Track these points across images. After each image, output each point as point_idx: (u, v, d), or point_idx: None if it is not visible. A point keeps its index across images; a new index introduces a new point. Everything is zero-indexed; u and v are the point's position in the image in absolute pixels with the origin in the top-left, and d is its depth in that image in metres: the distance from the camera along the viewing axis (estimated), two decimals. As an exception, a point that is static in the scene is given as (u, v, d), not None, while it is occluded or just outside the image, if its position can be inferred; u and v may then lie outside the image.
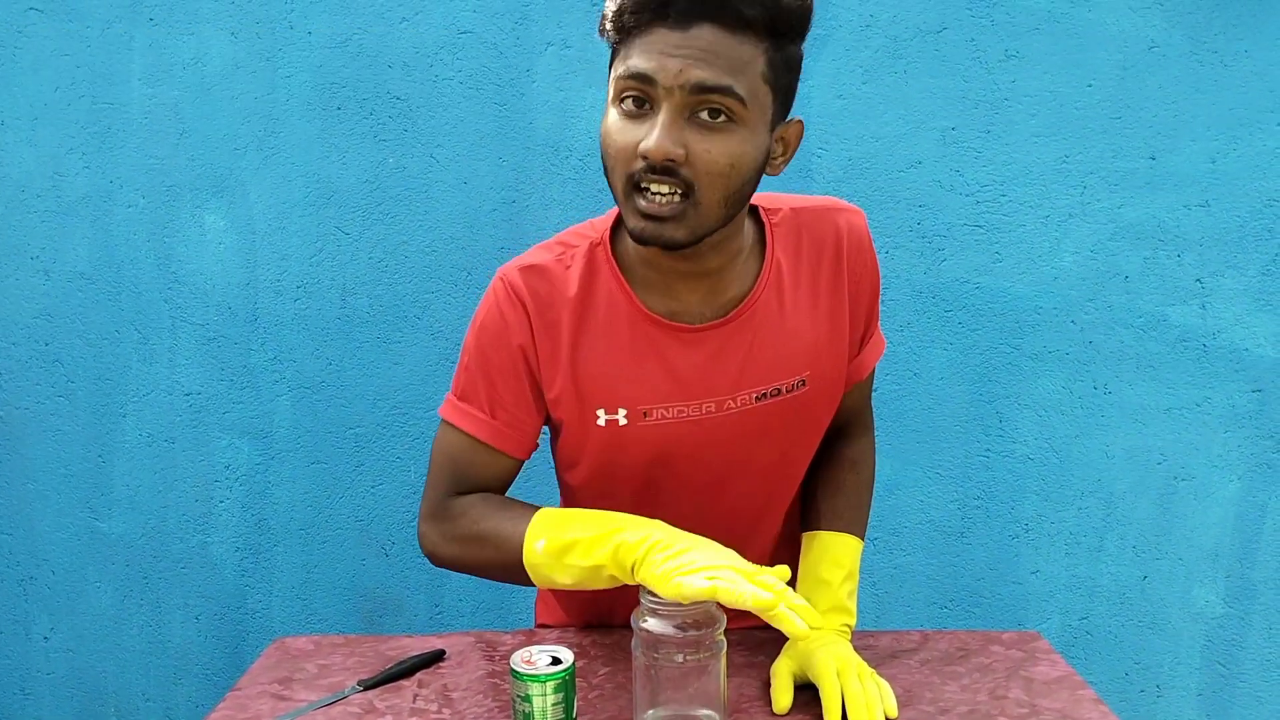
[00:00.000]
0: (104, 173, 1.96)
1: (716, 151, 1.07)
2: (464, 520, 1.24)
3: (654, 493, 1.27)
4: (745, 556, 1.10)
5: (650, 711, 1.09)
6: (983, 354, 1.99)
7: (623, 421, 1.22)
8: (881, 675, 1.27)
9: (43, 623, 2.11)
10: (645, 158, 1.06)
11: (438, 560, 1.28)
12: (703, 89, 1.05)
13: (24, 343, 2.01)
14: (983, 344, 1.99)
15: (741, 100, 1.06)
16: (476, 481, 1.27)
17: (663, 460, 1.25)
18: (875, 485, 1.83)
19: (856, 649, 1.30)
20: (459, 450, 1.27)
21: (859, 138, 1.93)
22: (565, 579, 1.15)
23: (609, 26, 1.11)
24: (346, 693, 1.27)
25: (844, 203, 1.30)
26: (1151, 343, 1.98)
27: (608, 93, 1.13)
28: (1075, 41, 1.90)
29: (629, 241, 1.21)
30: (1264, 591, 2.05)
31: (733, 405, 1.23)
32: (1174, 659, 2.08)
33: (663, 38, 1.05)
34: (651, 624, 1.07)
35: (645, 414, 1.22)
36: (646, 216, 1.09)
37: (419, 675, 1.31)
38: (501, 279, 1.24)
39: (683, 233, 1.10)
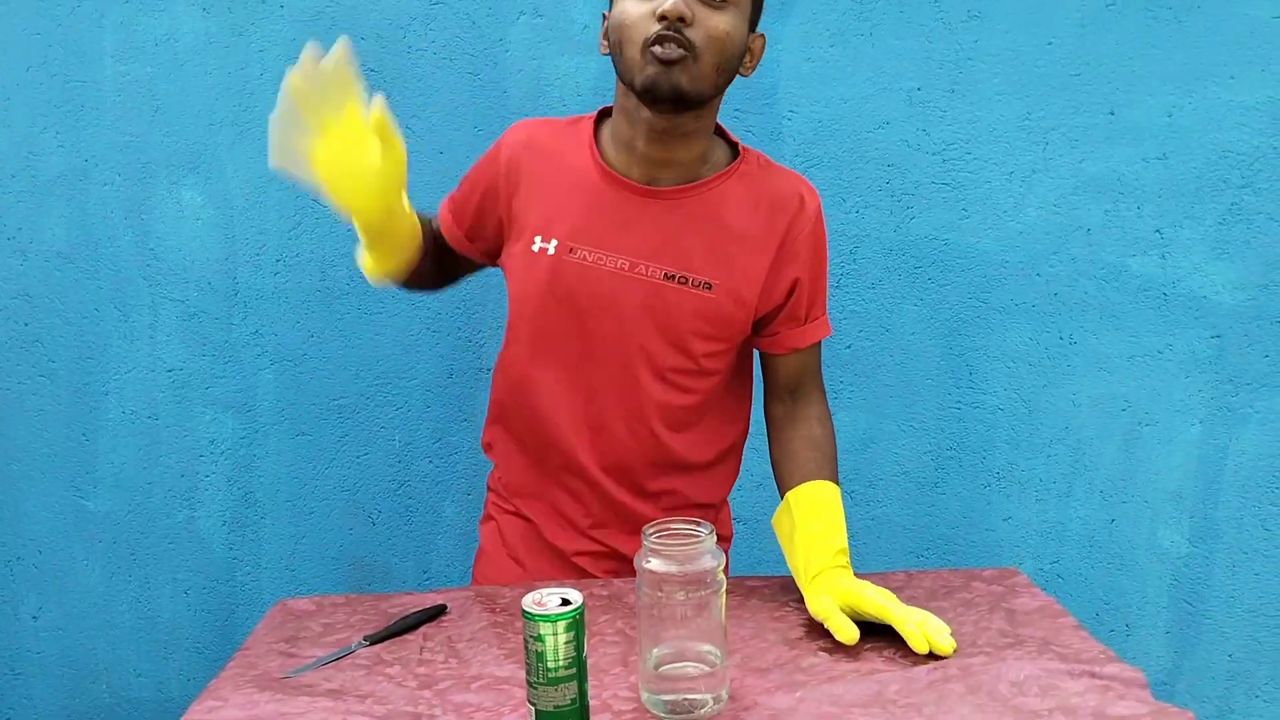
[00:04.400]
0: (78, 151, 1.96)
1: (715, 20, 1.30)
2: None
3: (562, 331, 1.45)
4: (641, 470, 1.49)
5: (655, 649, 1.13)
6: (952, 308, 2.04)
7: (551, 251, 1.42)
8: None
9: (31, 602, 2.11)
10: (664, 17, 1.27)
11: None
12: None
13: (3, 324, 2.01)
14: (952, 298, 2.04)
15: None
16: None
17: (572, 298, 1.42)
18: (851, 437, 1.86)
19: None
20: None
21: (828, 100, 1.97)
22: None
23: None
24: (353, 647, 1.30)
25: (809, 182, 1.49)
26: (1114, 293, 2.04)
27: None
28: (1034, 1, 1.95)
29: (610, 130, 1.45)
30: (1226, 530, 2.12)
31: (643, 272, 1.41)
32: (1142, 598, 2.15)
33: None
34: (654, 564, 1.11)
35: (571, 249, 1.42)
36: (661, 62, 1.29)
37: (423, 629, 1.35)
38: (509, 143, 1.50)
39: (685, 79, 1.30)
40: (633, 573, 1.15)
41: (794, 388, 1.53)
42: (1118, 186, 2.01)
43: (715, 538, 1.14)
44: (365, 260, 1.43)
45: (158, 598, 2.12)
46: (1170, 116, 1.99)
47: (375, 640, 1.31)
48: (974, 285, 2.04)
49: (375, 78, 1.94)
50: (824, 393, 1.56)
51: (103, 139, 1.96)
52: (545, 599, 1.05)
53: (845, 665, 1.22)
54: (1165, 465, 2.10)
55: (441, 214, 1.57)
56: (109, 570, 2.10)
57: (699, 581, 1.11)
